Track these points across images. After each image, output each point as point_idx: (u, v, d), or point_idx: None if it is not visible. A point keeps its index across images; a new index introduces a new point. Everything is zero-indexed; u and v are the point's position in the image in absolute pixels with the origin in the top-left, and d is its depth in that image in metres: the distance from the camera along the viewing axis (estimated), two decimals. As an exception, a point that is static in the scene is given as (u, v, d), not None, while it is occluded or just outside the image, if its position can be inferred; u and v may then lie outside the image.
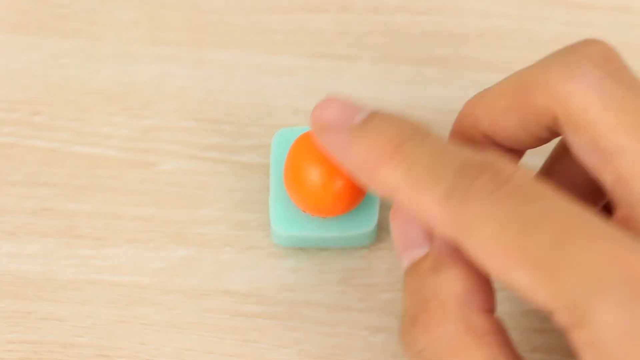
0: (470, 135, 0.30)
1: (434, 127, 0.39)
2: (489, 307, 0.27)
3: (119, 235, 0.37)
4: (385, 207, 0.36)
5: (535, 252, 0.24)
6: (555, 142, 0.32)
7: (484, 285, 0.27)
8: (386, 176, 0.27)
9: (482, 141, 0.30)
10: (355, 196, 0.34)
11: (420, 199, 0.26)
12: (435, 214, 0.26)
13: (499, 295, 0.29)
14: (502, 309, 0.30)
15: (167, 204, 0.37)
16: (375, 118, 0.28)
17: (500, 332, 0.27)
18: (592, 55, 0.27)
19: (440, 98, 0.39)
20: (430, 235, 0.28)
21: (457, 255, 0.27)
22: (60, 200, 0.37)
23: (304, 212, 0.34)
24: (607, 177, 0.26)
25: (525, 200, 0.24)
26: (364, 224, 0.35)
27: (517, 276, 0.24)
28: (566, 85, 0.26)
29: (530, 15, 0.42)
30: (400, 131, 0.28)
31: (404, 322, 0.28)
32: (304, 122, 0.39)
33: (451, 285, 0.27)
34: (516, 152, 0.31)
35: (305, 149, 0.33)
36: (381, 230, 0.36)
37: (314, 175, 0.33)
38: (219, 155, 0.38)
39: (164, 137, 0.39)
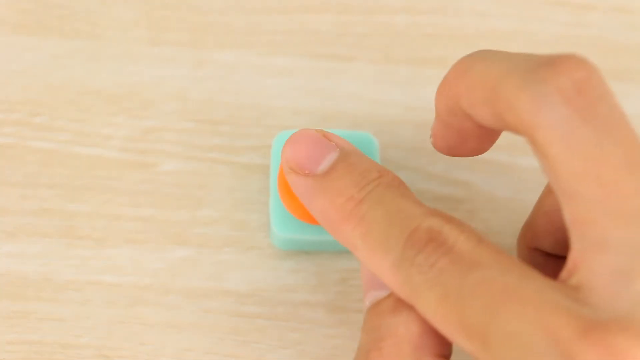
0: (451, 106, 0.30)
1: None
2: (444, 352, 0.28)
3: (119, 236, 0.37)
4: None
5: (470, 322, 0.25)
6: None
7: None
8: (346, 235, 0.29)
9: (460, 115, 0.30)
10: None
11: (375, 262, 0.28)
12: (388, 278, 0.27)
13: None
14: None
15: (167, 205, 0.37)
16: (338, 169, 0.30)
17: None
18: (564, 86, 0.26)
19: (440, 98, 0.39)
20: None
21: None
22: (60, 201, 0.37)
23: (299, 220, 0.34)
24: (565, 214, 0.26)
25: (464, 270, 0.25)
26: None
27: (459, 342, 0.25)
28: (532, 117, 0.26)
29: (530, 15, 0.42)
30: (360, 188, 0.29)
31: (357, 357, 0.29)
32: (303, 123, 0.39)
33: (407, 327, 0.27)
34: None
35: None
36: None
37: None
38: (218, 155, 0.38)
39: (164, 138, 0.39)
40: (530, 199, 0.37)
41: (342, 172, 0.29)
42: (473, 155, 0.32)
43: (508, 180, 0.38)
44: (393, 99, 0.40)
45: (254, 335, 0.35)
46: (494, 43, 0.41)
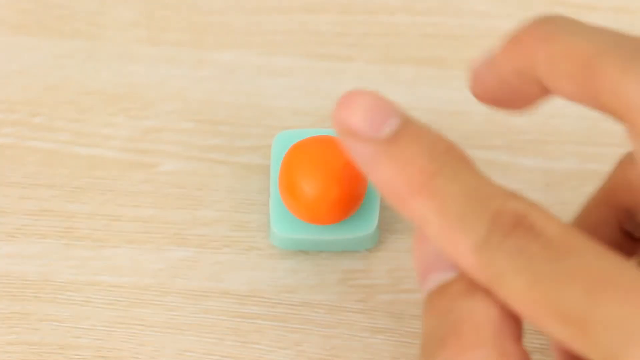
0: (521, 69, 0.28)
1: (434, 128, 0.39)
2: (519, 336, 0.27)
3: (118, 236, 0.37)
4: (384, 210, 0.36)
5: (567, 308, 0.24)
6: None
7: (515, 314, 0.27)
8: (416, 208, 0.27)
9: (529, 79, 0.28)
10: (351, 205, 0.34)
11: (451, 241, 0.26)
12: (466, 260, 0.26)
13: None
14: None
15: (166, 205, 0.37)
16: (405, 136, 0.27)
17: None
18: None
19: (439, 99, 0.39)
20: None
21: None
22: (59, 201, 0.37)
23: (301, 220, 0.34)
24: None
25: (557, 256, 0.24)
26: (364, 227, 0.35)
27: (551, 328, 0.24)
28: (623, 85, 0.25)
29: (530, 15, 0.42)
30: (433, 159, 0.27)
31: (428, 344, 0.27)
32: (303, 123, 0.39)
33: (486, 310, 0.26)
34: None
35: (299, 159, 0.33)
36: (381, 233, 0.36)
37: (308, 185, 0.33)
38: (218, 156, 0.38)
39: (164, 138, 0.39)
40: (530, 198, 0.37)
41: (409, 139, 0.27)
42: (511, 110, 0.31)
43: (508, 180, 0.38)
44: (393, 99, 0.40)
45: (253, 336, 0.35)
46: (493, 43, 0.41)
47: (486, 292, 0.26)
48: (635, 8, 0.42)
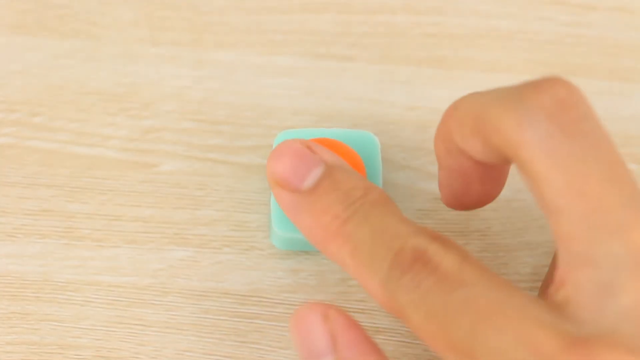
0: (447, 145, 0.30)
1: (431, 130, 0.39)
2: None
3: (118, 236, 0.37)
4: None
5: (456, 339, 0.25)
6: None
7: None
8: (333, 252, 0.29)
9: (457, 153, 0.30)
10: None
11: (364, 280, 0.28)
12: (376, 297, 0.28)
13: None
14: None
15: (166, 205, 0.37)
16: (324, 186, 0.30)
17: None
18: (547, 104, 0.26)
19: (440, 98, 0.39)
20: (334, 342, 0.28)
21: None
22: (59, 201, 0.37)
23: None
24: (551, 231, 0.26)
25: (449, 289, 0.26)
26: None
27: (447, 359, 0.26)
28: (517, 135, 0.26)
29: (530, 15, 0.42)
30: (347, 206, 0.29)
31: None
32: (303, 123, 0.39)
33: None
34: (497, 166, 0.31)
35: None
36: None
37: None
38: (218, 156, 0.38)
39: (164, 138, 0.39)
40: (530, 198, 0.37)
41: (327, 189, 0.30)
42: (482, 205, 0.32)
43: (508, 180, 0.38)
44: (393, 99, 0.40)
45: (253, 336, 0.35)
46: (494, 43, 0.41)
47: None
48: (635, 8, 0.42)
